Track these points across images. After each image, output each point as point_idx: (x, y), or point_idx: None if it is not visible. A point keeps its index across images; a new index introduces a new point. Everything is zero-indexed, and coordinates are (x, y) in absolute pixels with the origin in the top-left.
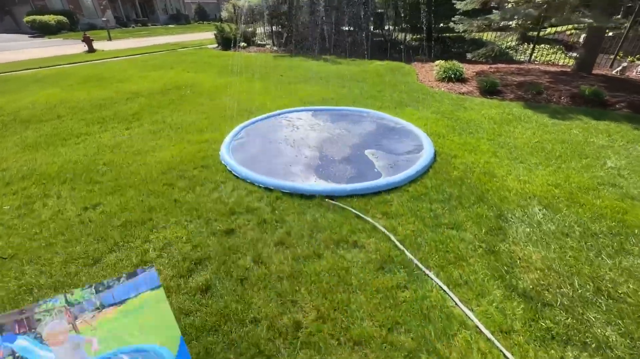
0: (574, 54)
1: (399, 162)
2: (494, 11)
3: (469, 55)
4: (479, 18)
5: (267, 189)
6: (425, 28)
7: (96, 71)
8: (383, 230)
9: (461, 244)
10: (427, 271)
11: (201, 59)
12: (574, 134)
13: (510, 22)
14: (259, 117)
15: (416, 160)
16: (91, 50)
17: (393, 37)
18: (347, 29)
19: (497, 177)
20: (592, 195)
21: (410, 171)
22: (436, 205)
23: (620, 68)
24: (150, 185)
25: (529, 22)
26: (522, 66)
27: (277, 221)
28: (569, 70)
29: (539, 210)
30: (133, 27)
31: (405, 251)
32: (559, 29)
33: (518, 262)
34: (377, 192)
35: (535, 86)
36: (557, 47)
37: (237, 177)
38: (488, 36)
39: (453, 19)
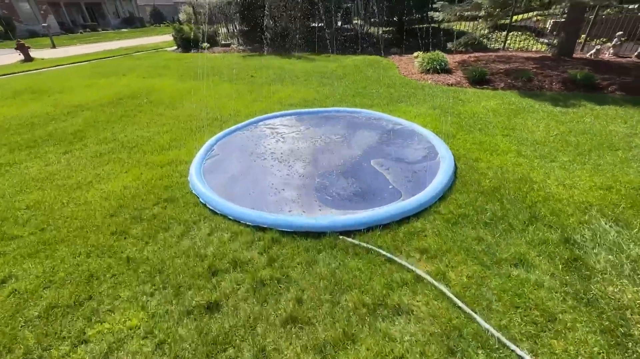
0: (545, 40)
1: (414, 172)
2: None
3: (449, 45)
4: (461, 4)
5: (258, 228)
6: (397, 20)
7: (31, 82)
8: (430, 280)
9: (541, 292)
10: (519, 352)
11: (159, 63)
12: (589, 123)
13: (481, 12)
14: (235, 127)
15: (435, 169)
16: (28, 59)
17: (365, 31)
18: (317, 24)
19: (536, 182)
20: None
21: (436, 185)
22: (483, 231)
23: (594, 51)
24: (91, 237)
25: (500, 8)
26: (500, 53)
27: (280, 281)
28: (548, 55)
29: (608, 226)
30: (81, 32)
31: (474, 314)
32: (524, 16)
33: (629, 315)
34: (403, 218)
35: (524, 73)
36: (528, 33)
37: (215, 212)
38: (462, 26)
39: (435, 5)
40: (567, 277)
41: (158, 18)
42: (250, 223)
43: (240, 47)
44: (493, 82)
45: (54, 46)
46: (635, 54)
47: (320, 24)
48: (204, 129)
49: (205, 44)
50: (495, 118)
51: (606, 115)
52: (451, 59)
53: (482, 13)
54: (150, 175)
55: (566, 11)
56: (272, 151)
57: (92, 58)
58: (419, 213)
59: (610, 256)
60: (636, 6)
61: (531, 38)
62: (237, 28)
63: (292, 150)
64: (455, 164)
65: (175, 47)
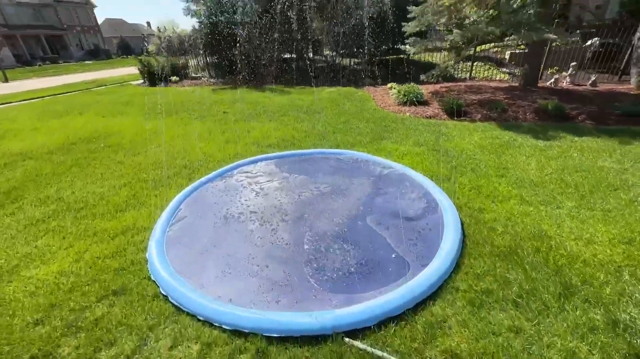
0: (506, 69)
1: (418, 232)
2: (455, 31)
3: (422, 77)
4: (429, 40)
5: (238, 333)
6: (368, 52)
7: None
8: None
9: None
10: None
11: (121, 99)
12: (577, 158)
13: (444, 44)
14: (206, 177)
15: (439, 225)
16: None
17: (336, 62)
18: (289, 56)
19: (551, 237)
20: None
21: (447, 251)
22: (516, 316)
23: (553, 80)
24: None
25: (463, 42)
26: (468, 83)
27: None
28: (515, 85)
29: None
30: (39, 65)
31: None
32: (485, 47)
33: None
34: (418, 304)
35: (498, 104)
36: (490, 64)
37: (180, 309)
38: (429, 57)
39: (407, 41)
40: None
41: (125, 50)
42: (227, 327)
43: (211, 80)
44: (470, 113)
45: (6, 80)
46: (589, 82)
47: (292, 56)
48: (170, 181)
49: (174, 77)
50: (485, 156)
51: (590, 148)
52: (425, 90)
53: (447, 45)
54: (98, 252)
55: (522, 43)
56: (251, 209)
57: (47, 94)
58: (435, 291)
59: None
60: (578, 38)
61: (493, 68)
62: (208, 60)
63: (275, 207)
64: (460, 218)
65: (142, 81)
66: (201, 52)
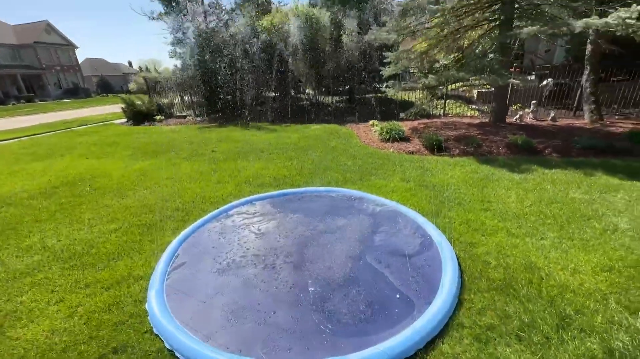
0: (475, 106)
1: (417, 268)
2: (430, 76)
3: (402, 115)
4: (406, 82)
5: None
6: (348, 90)
7: None
8: None
9: None
10: None
11: (106, 139)
12: (551, 190)
13: (418, 84)
14: (201, 220)
15: (436, 260)
16: None
17: (319, 100)
18: (273, 94)
19: (541, 269)
20: None
21: (449, 289)
22: (521, 351)
23: (518, 116)
24: None
25: (438, 84)
26: (443, 120)
27: None
28: (486, 121)
29: (638, 323)
30: (13, 104)
31: None
32: (454, 86)
33: None
34: (428, 343)
35: (473, 139)
36: (460, 101)
37: None
38: (406, 96)
39: (386, 83)
40: None
41: (105, 88)
42: None
43: (197, 119)
44: (449, 149)
45: None
46: (550, 117)
47: (276, 94)
48: (163, 224)
49: (159, 116)
50: (468, 190)
51: (560, 180)
52: (405, 127)
53: (421, 85)
54: (93, 306)
55: (487, 83)
56: (251, 252)
57: (24, 134)
58: (441, 330)
59: None
60: (534, 78)
61: (464, 105)
62: (193, 99)
63: (274, 249)
64: (455, 253)
65: (125, 120)
66: (186, 91)
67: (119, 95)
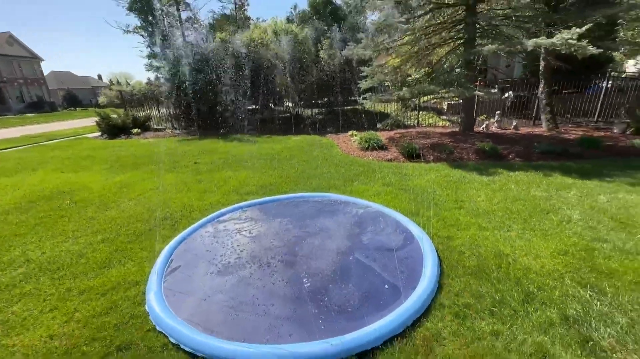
0: (445, 117)
1: (402, 259)
2: (404, 89)
3: (379, 125)
4: (382, 94)
5: None
6: (327, 102)
7: None
8: None
9: None
10: None
11: (80, 153)
12: (515, 190)
13: (392, 96)
14: (192, 227)
15: (418, 253)
16: None
17: (299, 113)
18: (253, 107)
19: (508, 255)
20: (602, 256)
21: (430, 276)
22: (494, 322)
23: (484, 125)
24: None
25: (411, 96)
26: (417, 129)
27: None
28: (456, 130)
29: (588, 294)
30: None
31: None
32: (425, 98)
33: None
34: (414, 321)
35: (445, 147)
36: (432, 112)
37: (195, 356)
38: (382, 107)
39: (364, 96)
40: None
41: (73, 102)
42: None
43: (176, 131)
44: (424, 156)
45: None
46: (512, 126)
47: (256, 107)
48: (153, 233)
49: (136, 129)
50: (443, 192)
51: (522, 181)
52: (382, 136)
53: (396, 98)
54: (90, 310)
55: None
56: (245, 253)
57: None
58: (427, 309)
59: (608, 329)
60: (494, 91)
61: (435, 116)
62: (171, 112)
63: (268, 250)
64: (434, 246)
65: (100, 134)
66: (164, 104)
67: (90, 109)
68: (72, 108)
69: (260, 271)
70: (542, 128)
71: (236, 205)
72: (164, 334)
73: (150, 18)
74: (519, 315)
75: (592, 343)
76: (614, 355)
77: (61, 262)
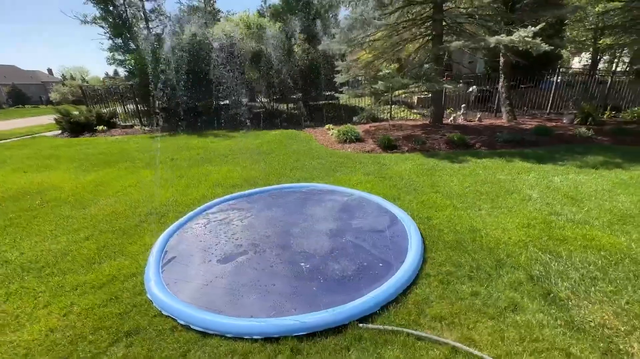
0: (416, 110)
1: (389, 238)
2: (379, 82)
3: (355, 119)
4: (357, 88)
5: (269, 340)
6: (302, 97)
7: None
8: (468, 350)
9: (547, 331)
10: None
11: (41, 152)
12: (483, 175)
13: (364, 91)
14: (182, 219)
15: (403, 232)
16: None
17: (274, 108)
18: (226, 102)
19: (480, 230)
20: (557, 227)
21: (416, 251)
22: (473, 285)
23: (452, 118)
24: None
25: (385, 90)
26: (391, 122)
27: None
28: (427, 122)
29: (547, 258)
30: None
31: None
32: (397, 93)
33: (607, 331)
34: (405, 290)
35: (418, 138)
36: (404, 106)
37: (206, 334)
38: (355, 101)
39: (341, 89)
40: (553, 311)
41: (19, 99)
42: (257, 336)
43: (145, 128)
44: (399, 147)
45: None
46: (477, 118)
47: (229, 102)
48: (141, 228)
49: (101, 127)
50: (419, 178)
51: (489, 166)
52: (359, 129)
53: (369, 92)
54: (88, 303)
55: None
56: (241, 241)
57: None
58: (415, 279)
59: (565, 284)
60: (460, 85)
61: (407, 109)
62: (139, 108)
63: (263, 236)
64: (417, 225)
65: (60, 132)
66: (131, 99)
67: (42, 106)
68: (20, 106)
69: (258, 256)
70: (503, 120)
71: (224, 197)
72: (172, 318)
73: (111, 8)
74: (493, 278)
75: (552, 294)
76: (570, 302)
77: (45, 261)
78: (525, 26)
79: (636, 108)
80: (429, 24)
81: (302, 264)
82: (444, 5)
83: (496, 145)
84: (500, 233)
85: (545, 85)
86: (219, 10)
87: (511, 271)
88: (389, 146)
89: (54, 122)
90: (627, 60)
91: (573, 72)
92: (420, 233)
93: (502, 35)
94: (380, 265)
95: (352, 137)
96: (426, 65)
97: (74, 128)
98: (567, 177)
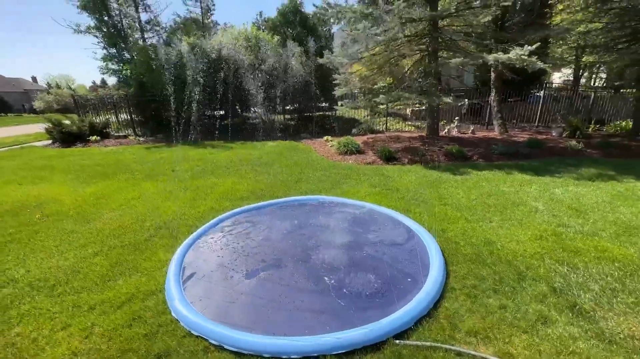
0: (410, 122)
1: (410, 251)
2: (381, 95)
3: (354, 130)
4: (355, 101)
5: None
6: (298, 108)
7: None
8: None
9: (580, 343)
10: None
11: (33, 163)
12: (487, 187)
13: (370, 103)
14: (195, 234)
15: (421, 245)
16: None
17: (270, 119)
18: (222, 113)
19: (495, 242)
20: (568, 239)
21: (439, 265)
22: (500, 298)
23: (446, 130)
24: None
25: (387, 102)
26: (387, 134)
27: None
28: (423, 134)
29: (566, 270)
30: None
31: None
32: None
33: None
34: (435, 304)
35: (418, 150)
36: (398, 118)
37: (241, 354)
38: (349, 113)
39: (340, 102)
40: (581, 323)
41: (1, 107)
42: (295, 356)
43: (140, 139)
44: (400, 159)
45: None
46: (470, 131)
47: (225, 112)
48: (152, 243)
49: (94, 137)
50: (426, 191)
51: (491, 179)
52: (358, 141)
53: (363, 104)
54: (110, 324)
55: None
56: (260, 256)
57: None
58: (444, 290)
59: (587, 295)
60: (450, 100)
61: (401, 121)
62: (134, 117)
63: (282, 250)
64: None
65: (50, 142)
66: (125, 109)
67: (26, 115)
68: (2, 114)
69: (280, 271)
70: (495, 133)
71: (236, 210)
72: (203, 338)
73: (106, 19)
74: (517, 291)
75: (578, 306)
76: (596, 314)
77: (55, 279)
78: (521, 45)
79: (618, 122)
80: (425, 40)
81: (327, 279)
82: (439, 22)
83: (492, 157)
84: (515, 245)
85: (533, 99)
86: (217, 23)
87: (534, 284)
88: (389, 158)
89: (45, 131)
90: (603, 76)
91: (557, 87)
92: (439, 245)
93: (499, 53)
94: (407, 279)
95: (353, 149)
96: (426, 80)
97: (66, 138)
98: (568, 189)
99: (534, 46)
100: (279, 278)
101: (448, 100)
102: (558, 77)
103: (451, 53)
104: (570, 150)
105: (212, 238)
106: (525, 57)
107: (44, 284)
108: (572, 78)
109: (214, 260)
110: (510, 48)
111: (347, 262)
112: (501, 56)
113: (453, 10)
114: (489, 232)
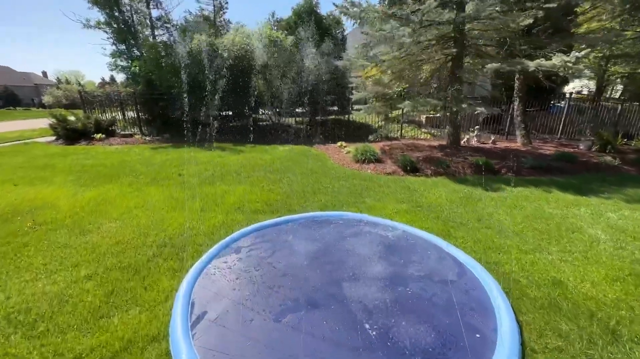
0: (425, 129)
1: (463, 292)
2: (406, 101)
3: (370, 137)
4: (377, 104)
5: None
6: (309, 111)
7: None
8: None
9: None
10: None
11: (34, 161)
12: (529, 207)
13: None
14: (206, 256)
15: (475, 283)
16: None
17: (282, 122)
18: (230, 113)
19: (564, 283)
20: None
21: (508, 315)
22: None
23: (465, 139)
24: None
25: (412, 109)
26: (404, 142)
27: None
28: (443, 143)
29: None
30: None
31: None
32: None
33: None
34: None
35: (441, 161)
36: (413, 125)
37: None
38: (361, 118)
39: (359, 107)
40: None
41: (11, 100)
42: None
43: (146, 138)
44: (422, 169)
45: None
46: (491, 141)
47: (234, 113)
48: (155, 265)
49: (99, 134)
50: (460, 209)
51: (529, 197)
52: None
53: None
54: None
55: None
56: (283, 292)
57: None
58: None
59: None
60: (464, 106)
61: (416, 128)
62: (141, 116)
63: (310, 285)
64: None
65: (54, 138)
66: (132, 107)
67: (34, 109)
68: (11, 108)
69: (310, 313)
70: (518, 144)
71: (249, 227)
72: None
73: (117, 14)
74: (617, 358)
75: None
76: None
77: (37, 311)
78: (564, 51)
79: None
80: (450, 43)
81: (368, 326)
82: (466, 26)
83: (522, 171)
84: (590, 288)
85: (554, 109)
86: (229, 22)
87: (636, 348)
88: (410, 168)
89: (49, 127)
90: (619, 87)
91: (581, 97)
92: (499, 285)
93: (541, 59)
94: (471, 332)
95: (371, 157)
96: (453, 87)
97: (70, 135)
98: (623, 214)
99: (583, 53)
100: (310, 324)
101: (480, 108)
102: (572, 88)
103: (478, 59)
104: (605, 165)
105: (224, 262)
106: (570, 64)
107: (24, 318)
108: (582, 89)
109: (229, 293)
110: (551, 54)
111: (390, 303)
112: (545, 62)
113: (488, 12)
114: (552, 268)
